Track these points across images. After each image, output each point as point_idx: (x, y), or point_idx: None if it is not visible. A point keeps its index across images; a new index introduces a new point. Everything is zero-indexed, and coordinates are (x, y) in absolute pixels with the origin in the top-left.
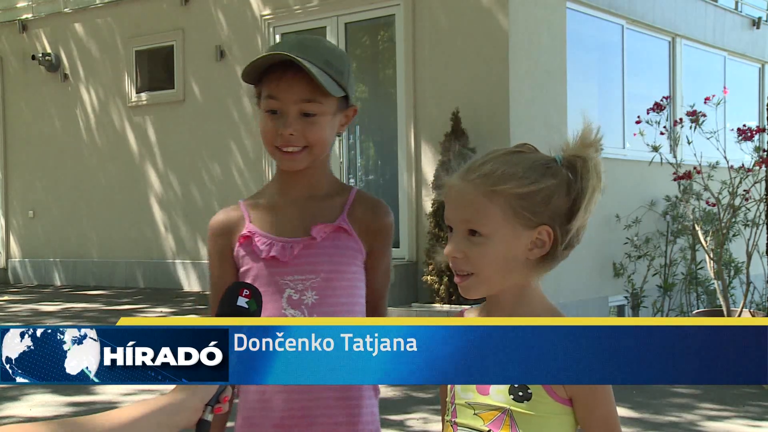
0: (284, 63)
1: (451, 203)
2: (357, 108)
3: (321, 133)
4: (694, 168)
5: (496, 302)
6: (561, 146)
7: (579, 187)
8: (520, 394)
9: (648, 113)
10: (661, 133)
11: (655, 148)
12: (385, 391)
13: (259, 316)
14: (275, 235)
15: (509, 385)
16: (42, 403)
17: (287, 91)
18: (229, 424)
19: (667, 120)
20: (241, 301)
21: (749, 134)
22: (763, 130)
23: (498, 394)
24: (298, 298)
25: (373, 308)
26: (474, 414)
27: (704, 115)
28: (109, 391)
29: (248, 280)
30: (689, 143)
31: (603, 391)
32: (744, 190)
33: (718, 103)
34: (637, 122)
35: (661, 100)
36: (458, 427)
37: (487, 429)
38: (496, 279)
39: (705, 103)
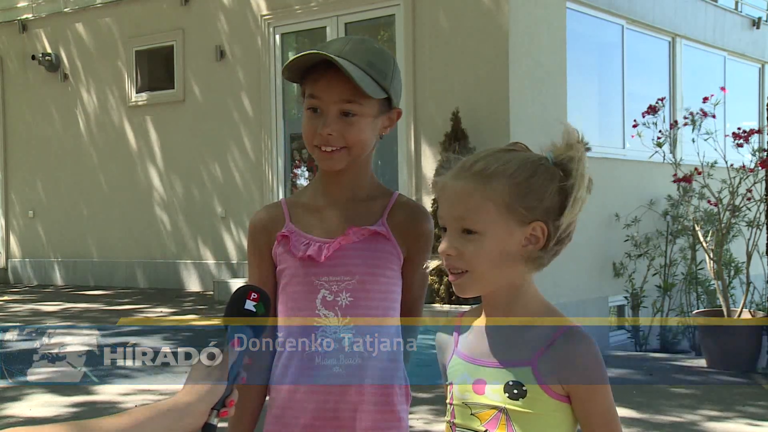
0: (326, 62)
1: (444, 202)
2: (401, 110)
3: (360, 134)
4: (696, 169)
5: (492, 302)
6: (549, 147)
7: (569, 184)
8: (515, 391)
9: (644, 116)
10: (659, 137)
11: (659, 144)
12: None
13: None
14: (314, 235)
15: (504, 383)
16: (42, 403)
17: (327, 91)
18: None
19: (663, 122)
20: (249, 305)
21: (745, 138)
22: (759, 131)
23: (493, 393)
24: (332, 300)
25: (408, 313)
26: (471, 414)
27: (712, 116)
28: (109, 391)
29: (285, 279)
30: (678, 144)
31: (601, 386)
32: (747, 189)
33: (717, 104)
34: (634, 125)
35: (657, 102)
36: (456, 428)
37: (484, 429)
38: (491, 276)
39: (704, 102)
